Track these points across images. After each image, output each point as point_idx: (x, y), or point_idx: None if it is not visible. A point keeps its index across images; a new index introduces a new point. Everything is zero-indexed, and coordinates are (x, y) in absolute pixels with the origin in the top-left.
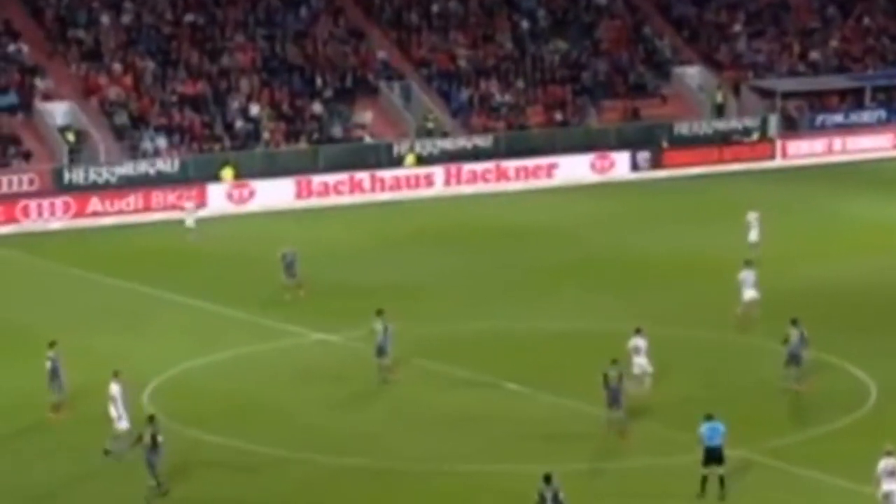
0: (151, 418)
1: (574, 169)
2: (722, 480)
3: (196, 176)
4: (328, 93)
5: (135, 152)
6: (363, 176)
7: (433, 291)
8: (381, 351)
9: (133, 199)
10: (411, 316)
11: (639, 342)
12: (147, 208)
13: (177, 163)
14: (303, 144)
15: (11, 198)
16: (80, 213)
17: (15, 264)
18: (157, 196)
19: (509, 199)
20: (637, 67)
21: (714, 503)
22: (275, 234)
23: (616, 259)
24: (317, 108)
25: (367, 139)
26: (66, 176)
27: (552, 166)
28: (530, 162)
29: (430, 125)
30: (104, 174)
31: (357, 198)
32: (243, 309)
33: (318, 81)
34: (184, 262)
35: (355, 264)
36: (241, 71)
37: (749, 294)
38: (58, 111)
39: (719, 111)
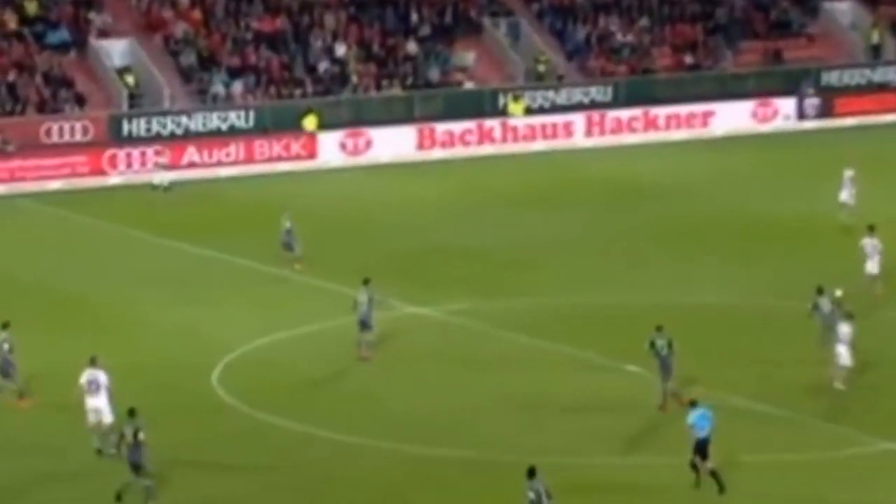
0: (132, 412)
1: (733, 117)
2: (714, 474)
3: (273, 125)
4: (424, 31)
5: (204, 97)
6: (493, 124)
7: (550, 257)
8: (363, 325)
9: (203, 152)
10: (522, 287)
11: (843, 328)
12: (221, 162)
13: (252, 111)
14: (396, 90)
15: (62, 149)
16: (140, 168)
17: (65, 224)
18: (232, 148)
19: (656, 151)
20: (780, 3)
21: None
22: (382, 190)
23: (765, 222)
24: (411, 48)
25: (469, 84)
26: (125, 125)
27: (708, 114)
28: (683, 109)
29: (542, 69)
30: (169, 124)
31: (486, 149)
32: (329, 278)
33: (414, 17)
34: (263, 223)
35: (469, 225)
36: (325, 5)
37: (868, 266)
38: (115, 50)
39: (875, 53)
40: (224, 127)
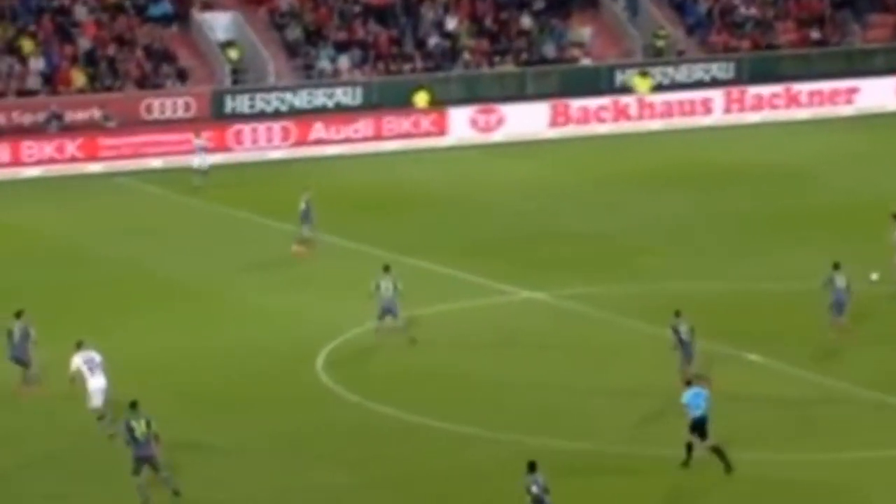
0: (134, 405)
1: (878, 94)
2: (718, 451)
3: (381, 102)
4: (539, 4)
5: (310, 72)
6: (628, 101)
7: (671, 241)
8: (388, 311)
9: (308, 130)
10: (641, 272)
11: None
12: (326, 140)
13: (359, 87)
14: (509, 66)
15: (163, 125)
16: (239, 146)
17: (165, 204)
18: (337, 126)
19: (796, 130)
20: None
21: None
22: (507, 169)
23: None
24: (525, 22)
25: (585, 60)
26: (229, 101)
27: (851, 91)
28: (826, 85)
29: (661, 44)
30: (273, 100)
31: (621, 126)
32: (440, 261)
33: None
34: (372, 205)
35: (592, 206)
36: None
37: None
38: (219, 23)
39: None
40: (330, 104)
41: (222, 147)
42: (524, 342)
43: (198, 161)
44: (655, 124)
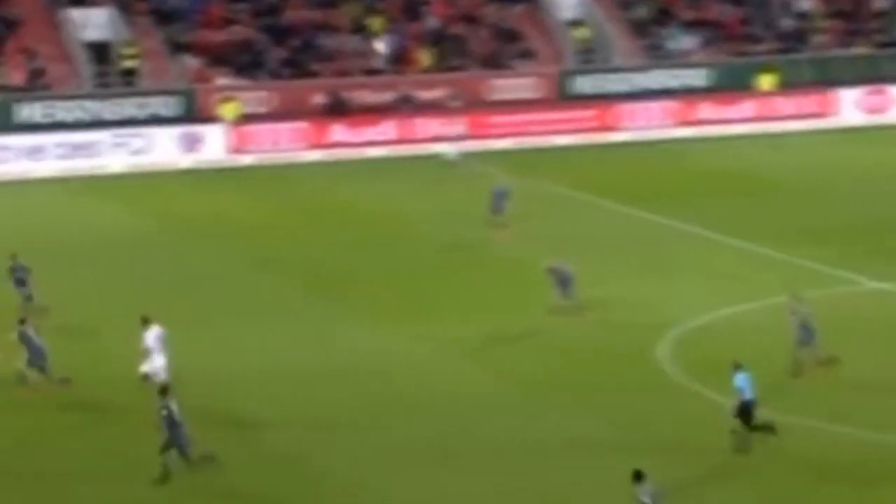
0: (165, 390)
1: None
2: (761, 427)
3: (730, 84)
4: None
5: (656, 52)
6: None
7: None
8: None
9: (655, 111)
10: None
11: None
12: (679, 122)
13: (705, 69)
14: (861, 48)
15: (511, 106)
16: (588, 128)
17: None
18: (688, 107)
19: None
20: None
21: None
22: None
23: None
24: (881, 3)
25: None
26: (575, 82)
27: None
28: None
29: None
30: (619, 81)
31: None
32: (783, 248)
33: None
34: (719, 189)
35: None
36: None
37: None
38: (567, 2)
39: None
40: (676, 84)
41: (612, 126)
42: (869, 334)
43: (450, 151)
44: None
